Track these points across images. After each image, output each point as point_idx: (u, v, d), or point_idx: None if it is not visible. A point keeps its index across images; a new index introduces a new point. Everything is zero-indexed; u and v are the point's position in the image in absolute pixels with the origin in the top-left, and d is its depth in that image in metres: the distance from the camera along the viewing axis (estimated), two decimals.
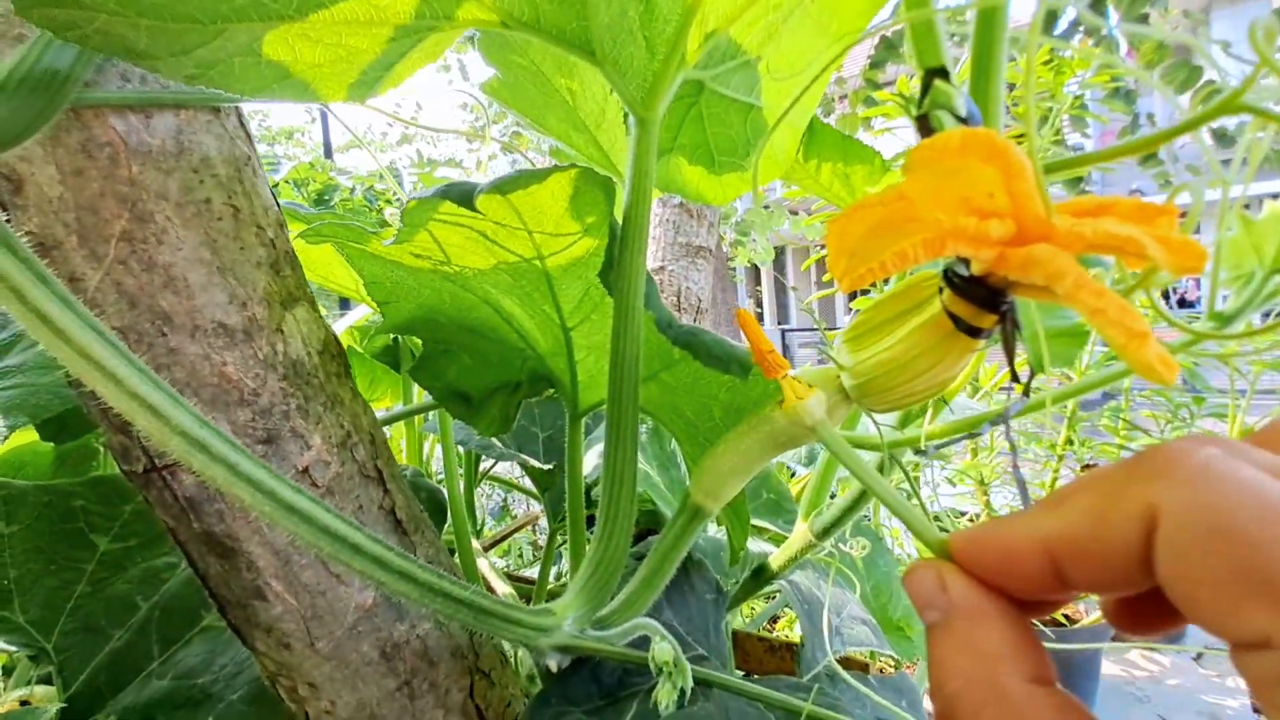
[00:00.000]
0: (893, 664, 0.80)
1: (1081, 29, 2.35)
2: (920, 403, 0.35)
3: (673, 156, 0.47)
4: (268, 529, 0.36)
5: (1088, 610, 1.36)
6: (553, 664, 0.35)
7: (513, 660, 0.55)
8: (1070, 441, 1.45)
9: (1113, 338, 0.24)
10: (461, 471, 0.82)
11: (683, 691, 0.31)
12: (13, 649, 0.53)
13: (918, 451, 0.42)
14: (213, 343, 0.32)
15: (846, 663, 0.58)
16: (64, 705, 0.50)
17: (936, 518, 1.31)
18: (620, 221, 0.34)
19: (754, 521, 0.73)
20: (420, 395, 0.85)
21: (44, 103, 0.24)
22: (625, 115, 0.42)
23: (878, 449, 0.39)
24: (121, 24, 0.23)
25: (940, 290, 0.30)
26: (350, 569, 0.27)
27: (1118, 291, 0.25)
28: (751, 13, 0.34)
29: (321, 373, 0.37)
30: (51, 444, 0.85)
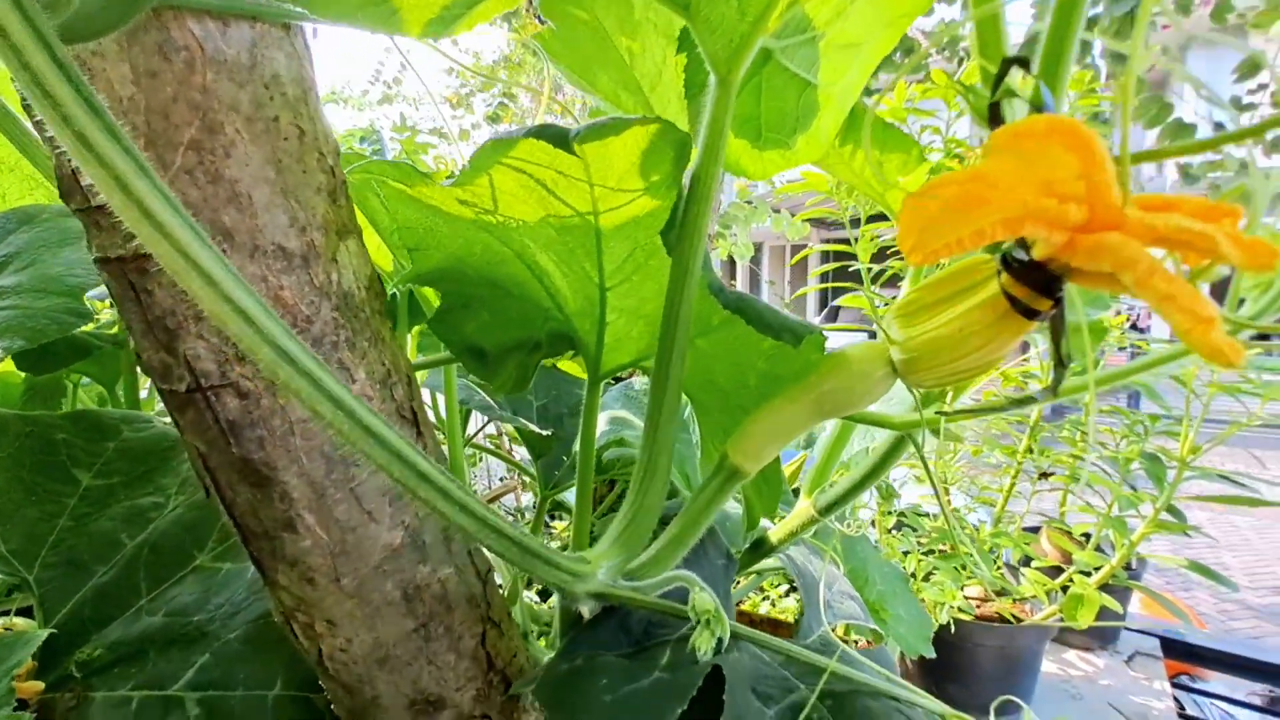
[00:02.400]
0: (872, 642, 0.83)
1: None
2: (966, 380, 0.37)
3: None
4: (306, 460, 0.35)
5: (1033, 610, 1.43)
6: (585, 610, 0.36)
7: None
8: (1030, 450, 1.51)
9: (1179, 322, 0.25)
10: None
11: (719, 640, 0.32)
12: None
13: (934, 432, 0.43)
14: (271, 265, 0.32)
15: None
16: (52, 632, 0.49)
17: (901, 514, 1.36)
18: (688, 182, 0.35)
19: None
20: (414, 353, 0.84)
21: None
22: (684, 79, 0.42)
23: (915, 426, 0.41)
24: None
25: (999, 273, 0.31)
26: (415, 496, 0.27)
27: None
28: None
29: (368, 308, 0.37)
30: (23, 375, 0.81)
